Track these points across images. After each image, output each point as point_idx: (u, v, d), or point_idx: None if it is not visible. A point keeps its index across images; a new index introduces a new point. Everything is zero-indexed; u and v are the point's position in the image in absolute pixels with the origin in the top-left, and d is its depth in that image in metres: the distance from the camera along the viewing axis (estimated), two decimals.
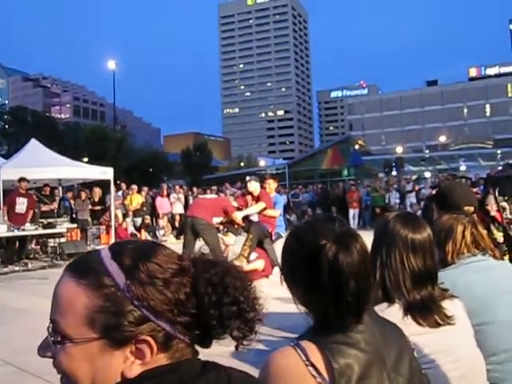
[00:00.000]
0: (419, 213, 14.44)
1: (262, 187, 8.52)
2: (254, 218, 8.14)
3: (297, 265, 1.13)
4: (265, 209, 8.03)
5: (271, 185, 8.90)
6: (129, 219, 16.64)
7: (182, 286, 0.80)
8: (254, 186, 8.24)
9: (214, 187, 20.57)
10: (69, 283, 0.79)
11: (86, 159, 30.21)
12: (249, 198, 8.32)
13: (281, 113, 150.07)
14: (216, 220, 7.89)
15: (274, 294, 5.89)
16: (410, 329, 1.39)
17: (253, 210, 8.04)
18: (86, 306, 0.76)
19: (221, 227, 8.17)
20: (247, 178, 8.62)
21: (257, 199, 8.15)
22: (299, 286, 1.14)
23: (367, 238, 1.27)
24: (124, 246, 0.82)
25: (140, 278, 0.77)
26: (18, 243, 11.32)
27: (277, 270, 8.00)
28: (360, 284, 1.07)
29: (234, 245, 8.49)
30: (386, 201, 19.25)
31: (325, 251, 1.07)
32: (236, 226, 8.97)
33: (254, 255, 7.72)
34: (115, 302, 0.76)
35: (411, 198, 19.07)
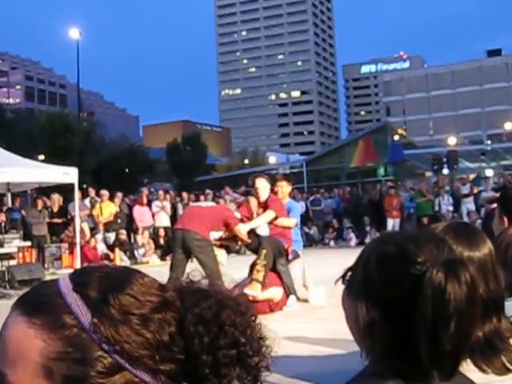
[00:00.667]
0: (478, 223, 14.32)
1: (272, 191, 8.49)
2: (263, 232, 8.10)
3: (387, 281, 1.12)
4: (276, 218, 8.00)
5: (284, 188, 8.87)
6: (99, 235, 16.67)
7: (166, 325, 0.80)
8: (263, 184, 8.22)
9: (210, 191, 20.59)
10: (18, 323, 0.78)
11: (42, 157, 30.40)
12: (253, 203, 8.29)
13: (296, 94, 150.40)
14: (214, 235, 7.86)
15: (288, 332, 5.86)
16: (470, 377, 1.37)
17: (260, 220, 8.01)
18: (41, 352, 0.76)
19: (218, 243, 8.14)
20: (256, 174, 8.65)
21: (264, 207, 8.12)
22: (376, 307, 1.13)
23: None
24: (89, 274, 0.82)
25: (110, 314, 0.77)
26: None
27: (293, 299, 7.96)
28: (462, 327, 1.04)
29: (223, 265, 8.45)
30: (436, 208, 19.22)
31: (431, 276, 1.05)
32: (240, 243, 8.93)
33: None
34: (79, 346, 0.76)
35: (468, 204, 19.03)
